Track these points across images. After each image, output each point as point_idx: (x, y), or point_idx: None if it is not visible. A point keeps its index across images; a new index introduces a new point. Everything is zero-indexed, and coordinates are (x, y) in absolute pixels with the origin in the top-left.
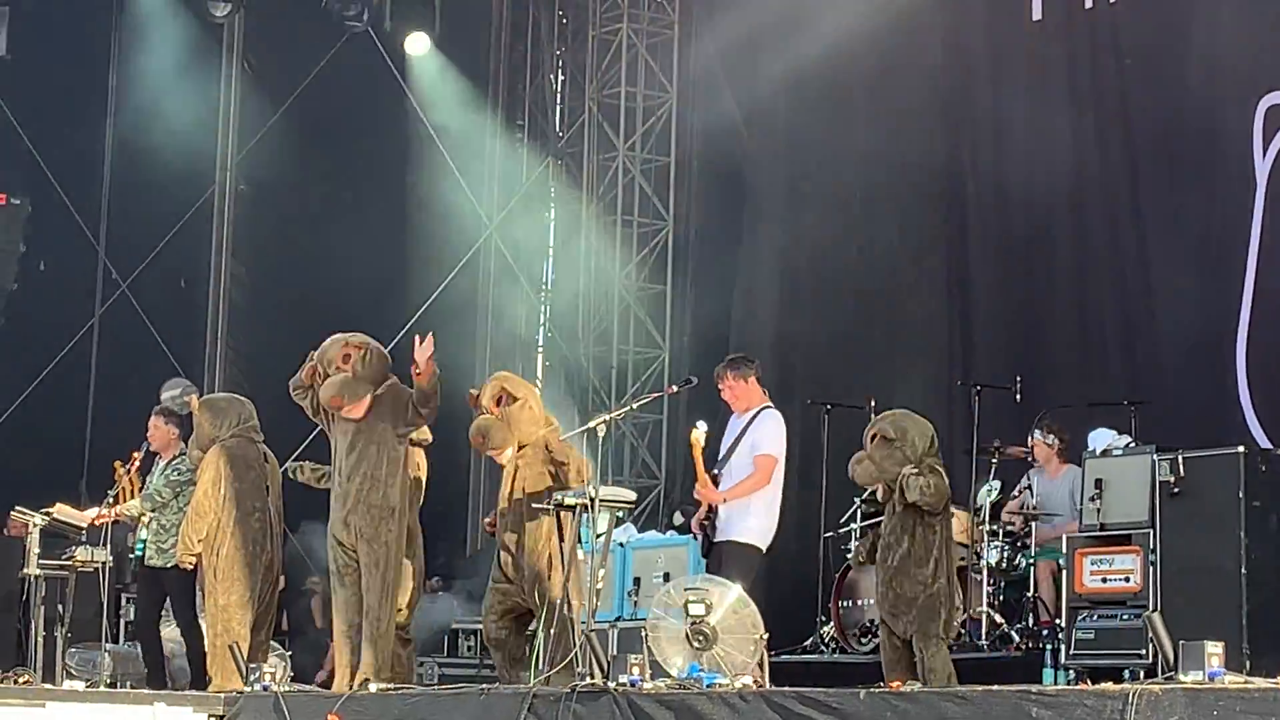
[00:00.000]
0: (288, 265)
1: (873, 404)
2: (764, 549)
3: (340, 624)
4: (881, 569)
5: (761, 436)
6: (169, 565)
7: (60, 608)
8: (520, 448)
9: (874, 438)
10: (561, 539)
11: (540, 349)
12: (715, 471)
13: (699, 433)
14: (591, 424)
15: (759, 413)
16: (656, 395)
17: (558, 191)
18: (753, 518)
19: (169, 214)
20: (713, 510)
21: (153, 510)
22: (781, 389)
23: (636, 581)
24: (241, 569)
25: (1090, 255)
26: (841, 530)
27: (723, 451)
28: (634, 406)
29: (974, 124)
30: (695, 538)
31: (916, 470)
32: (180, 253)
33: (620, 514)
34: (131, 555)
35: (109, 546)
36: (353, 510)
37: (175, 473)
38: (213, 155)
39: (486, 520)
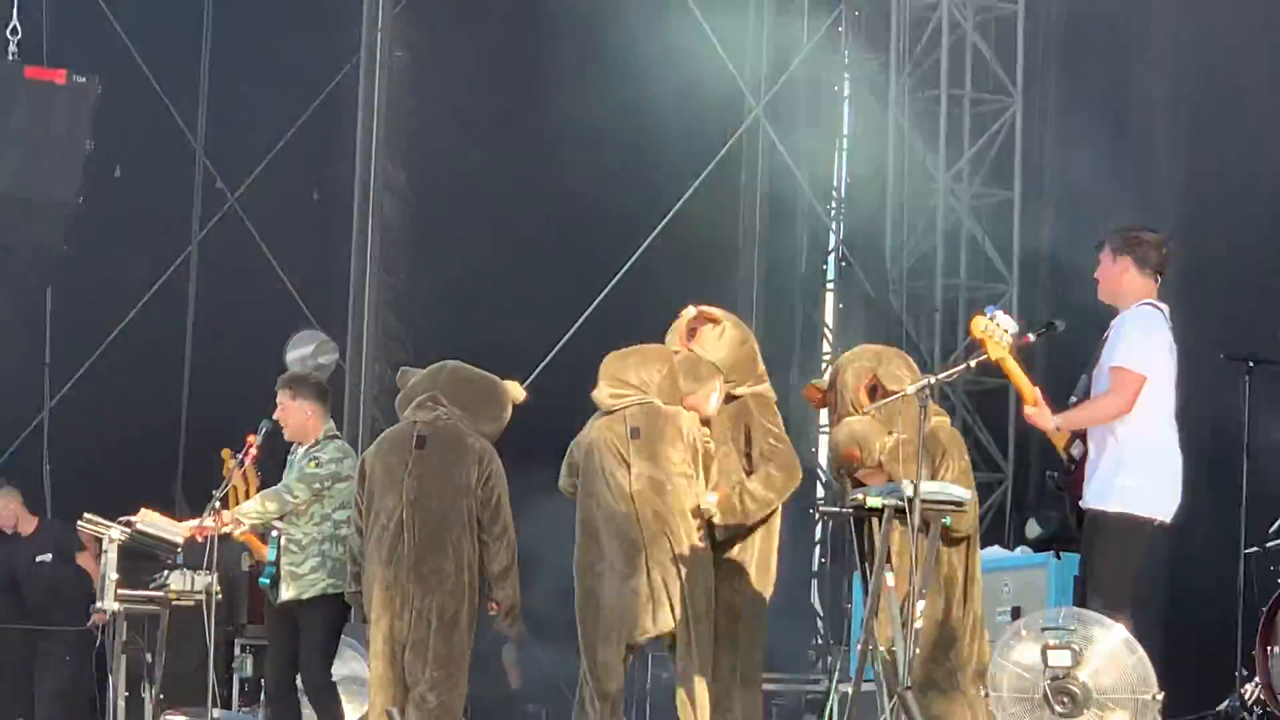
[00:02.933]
0: (465, 170)
1: None
2: (1155, 520)
3: None
4: None
5: (1119, 341)
6: (307, 597)
7: (149, 658)
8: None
9: None
10: (866, 558)
11: (830, 284)
12: (1073, 399)
13: (999, 324)
14: (910, 389)
15: (1133, 311)
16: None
17: (852, 57)
18: (1128, 473)
19: (293, 98)
20: (1072, 457)
21: (276, 513)
22: (1186, 339)
23: None
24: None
25: None
26: (1270, 546)
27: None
28: (971, 364)
29: None
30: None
31: None
32: (309, 154)
33: (948, 521)
34: (261, 580)
35: (216, 570)
36: None
37: (312, 461)
38: (357, 10)
39: None
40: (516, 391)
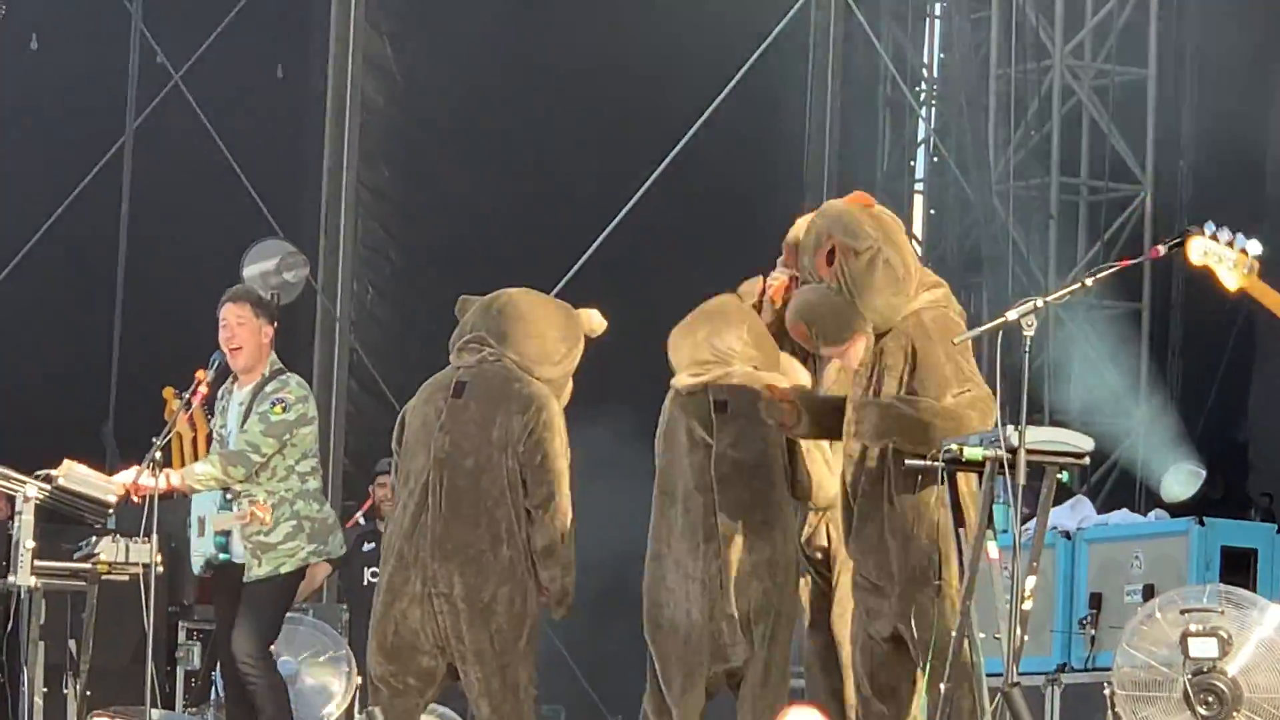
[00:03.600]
0: (466, 43)
1: None
2: None
3: None
4: None
5: None
6: (287, 571)
7: (73, 645)
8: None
9: None
10: (961, 521)
11: (919, 183)
12: None
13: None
14: (1012, 314)
15: None
16: (1130, 263)
17: None
18: None
19: None
20: None
21: (243, 479)
22: None
23: (1095, 600)
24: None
25: None
26: None
27: None
28: (1087, 284)
29: None
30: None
31: None
32: (271, 21)
33: (1065, 477)
34: (201, 558)
35: (156, 538)
36: None
37: (278, 405)
38: None
39: None
40: (591, 321)
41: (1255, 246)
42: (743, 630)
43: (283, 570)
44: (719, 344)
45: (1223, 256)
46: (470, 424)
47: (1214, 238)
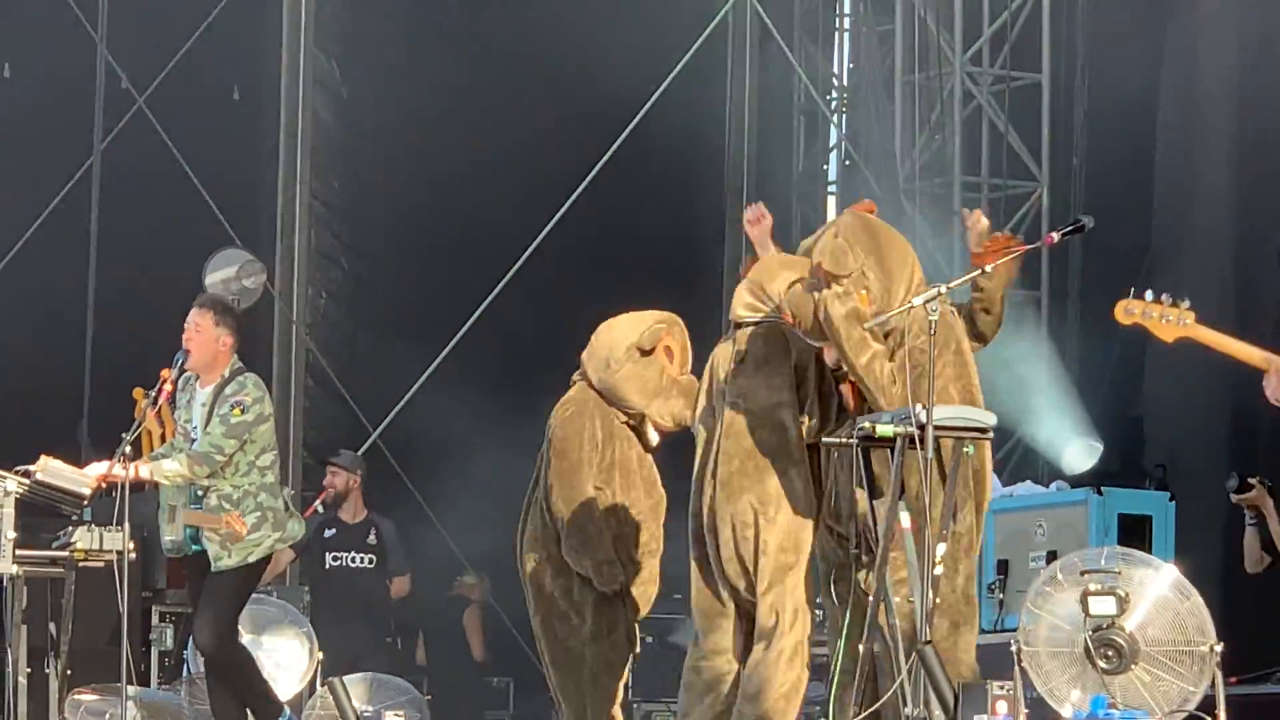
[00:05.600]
0: (408, 63)
1: None
2: None
3: None
4: None
5: None
6: (255, 560)
7: (53, 629)
8: None
9: None
10: (876, 495)
11: (832, 186)
12: None
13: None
14: (917, 301)
15: None
16: (1026, 249)
17: None
18: None
19: None
20: None
21: (207, 476)
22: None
23: (1002, 566)
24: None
25: None
26: None
27: None
28: (986, 270)
29: None
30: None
31: None
32: (229, 46)
33: (970, 450)
34: (170, 541)
35: (129, 527)
36: None
37: (236, 408)
38: None
39: None
40: (629, 332)
41: (1186, 305)
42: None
43: (250, 560)
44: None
45: (1151, 314)
46: None
47: (1140, 297)
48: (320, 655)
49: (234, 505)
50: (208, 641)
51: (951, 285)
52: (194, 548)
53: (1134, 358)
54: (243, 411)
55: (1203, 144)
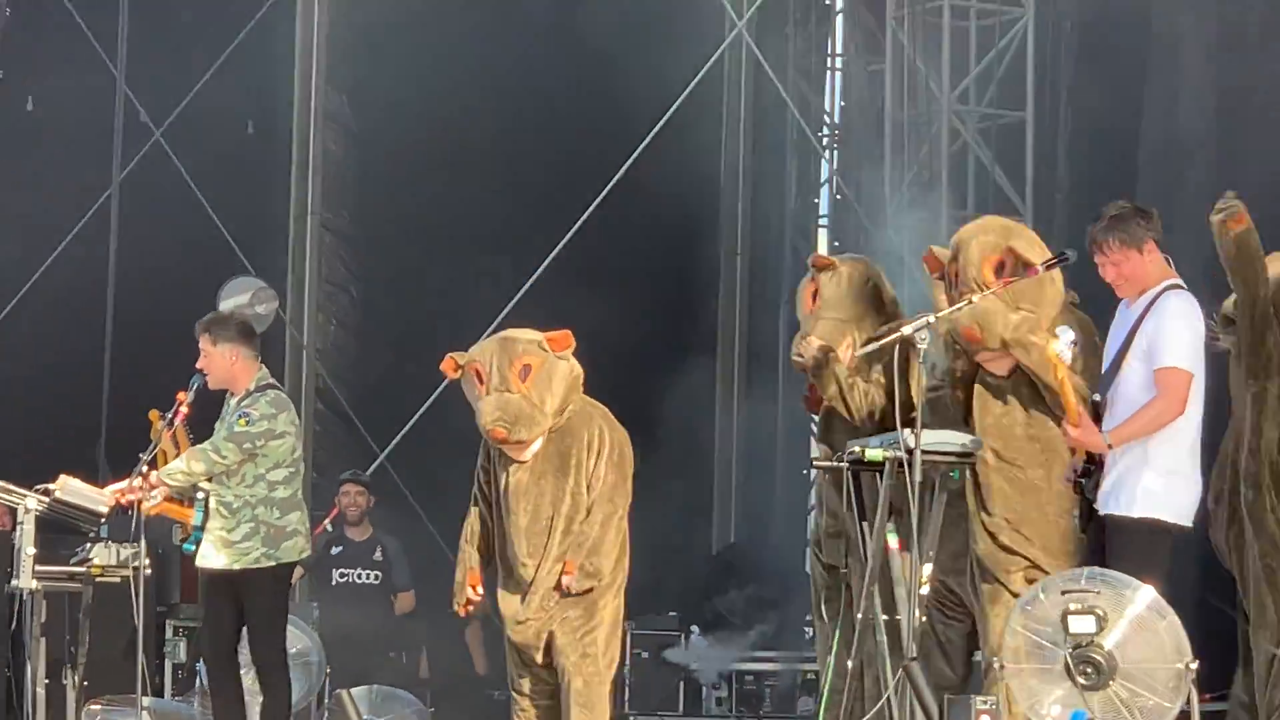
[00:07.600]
0: (415, 96)
1: None
2: (1180, 526)
3: None
4: None
5: (1163, 337)
6: (240, 567)
7: (69, 642)
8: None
9: None
10: (864, 517)
11: (823, 219)
12: (1095, 397)
13: (1062, 345)
14: (907, 329)
15: (1159, 297)
16: (1010, 282)
17: None
18: (1154, 474)
19: (224, 20)
20: (1094, 463)
21: (201, 474)
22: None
23: None
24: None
25: None
26: None
27: (1106, 363)
28: (973, 300)
29: None
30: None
31: None
32: (242, 81)
33: (954, 474)
34: (185, 546)
35: (144, 544)
36: None
37: (242, 418)
38: None
39: None
40: None
41: (1064, 337)
42: None
43: (236, 566)
44: None
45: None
46: None
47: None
48: (329, 669)
49: (231, 514)
50: (260, 654)
51: (940, 315)
52: (187, 546)
53: None
54: (248, 423)
55: (1182, 179)
